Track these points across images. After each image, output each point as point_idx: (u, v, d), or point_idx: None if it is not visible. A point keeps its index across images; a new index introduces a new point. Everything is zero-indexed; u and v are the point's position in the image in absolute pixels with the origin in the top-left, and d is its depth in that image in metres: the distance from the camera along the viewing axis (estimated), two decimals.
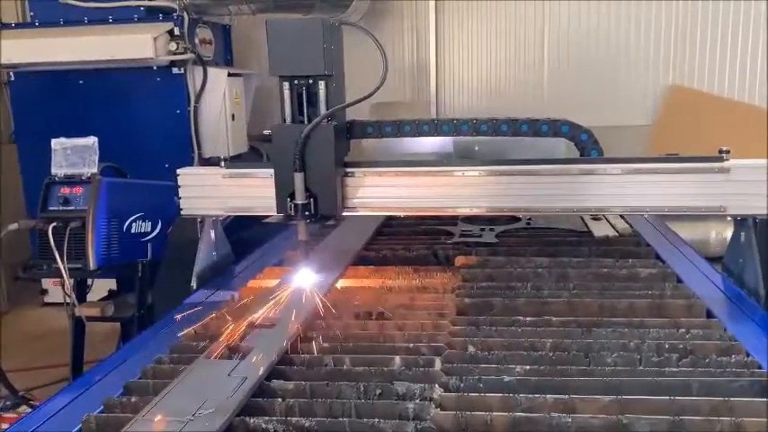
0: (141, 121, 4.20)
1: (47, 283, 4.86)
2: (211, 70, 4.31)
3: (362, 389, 1.50)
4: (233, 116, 4.49)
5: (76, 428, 1.42)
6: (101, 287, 3.47)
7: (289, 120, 2.18)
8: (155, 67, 4.15)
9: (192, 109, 4.22)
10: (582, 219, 2.97)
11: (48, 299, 4.95)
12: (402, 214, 2.72)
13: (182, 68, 4.17)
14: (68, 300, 2.68)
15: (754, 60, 5.16)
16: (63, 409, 1.55)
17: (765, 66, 5.14)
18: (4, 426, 2.60)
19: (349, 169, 2.33)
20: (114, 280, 3.33)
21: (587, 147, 2.46)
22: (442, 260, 2.58)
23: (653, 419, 1.30)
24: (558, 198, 2.24)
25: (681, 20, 5.27)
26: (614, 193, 2.19)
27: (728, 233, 2.33)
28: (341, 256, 2.52)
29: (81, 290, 3.03)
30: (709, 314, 1.90)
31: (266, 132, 2.30)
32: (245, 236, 3.14)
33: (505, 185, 2.27)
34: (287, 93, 2.16)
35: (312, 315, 1.95)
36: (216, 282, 2.47)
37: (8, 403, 2.66)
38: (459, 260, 2.48)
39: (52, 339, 3.99)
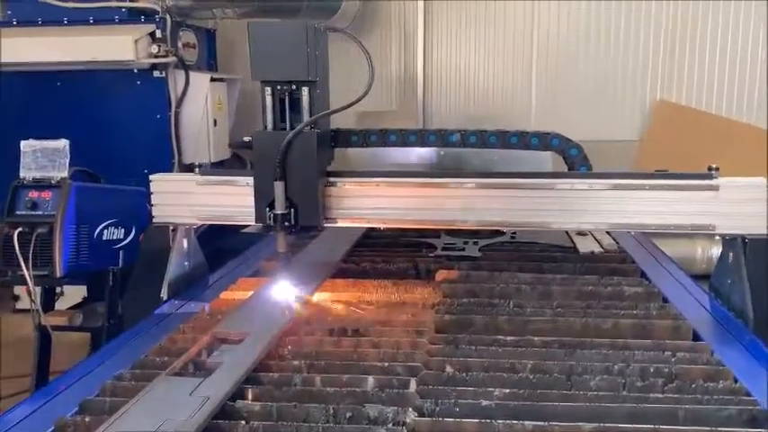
0: (121, 125, 4.10)
1: (19, 288, 4.73)
2: (194, 74, 4.23)
3: (332, 411, 1.42)
4: (215, 122, 4.40)
5: None
6: (74, 294, 3.37)
7: (270, 126, 2.11)
8: (135, 70, 4.06)
9: (173, 114, 4.13)
10: (567, 233, 2.91)
11: (20, 305, 4.82)
12: (384, 226, 2.66)
13: (163, 72, 4.09)
14: (34, 309, 2.57)
15: (742, 76, 5.15)
16: (11, 429, 1.46)
17: (756, 82, 5.14)
18: None
19: (332, 179, 2.26)
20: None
21: (577, 162, 2.41)
22: (422, 274, 2.51)
23: None
24: (543, 213, 2.19)
25: (669, 35, 5.26)
26: (600, 209, 2.14)
27: (714, 250, 2.29)
28: (319, 268, 2.44)
29: (49, 298, 2.92)
30: (696, 336, 1.84)
31: (246, 139, 2.23)
32: (226, 245, 3.06)
33: (490, 198, 2.21)
34: (269, 98, 2.09)
35: (284, 330, 1.87)
36: (187, 292, 2.38)
37: None
38: (441, 274, 2.41)
39: (21, 347, 3.85)
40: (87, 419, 1.42)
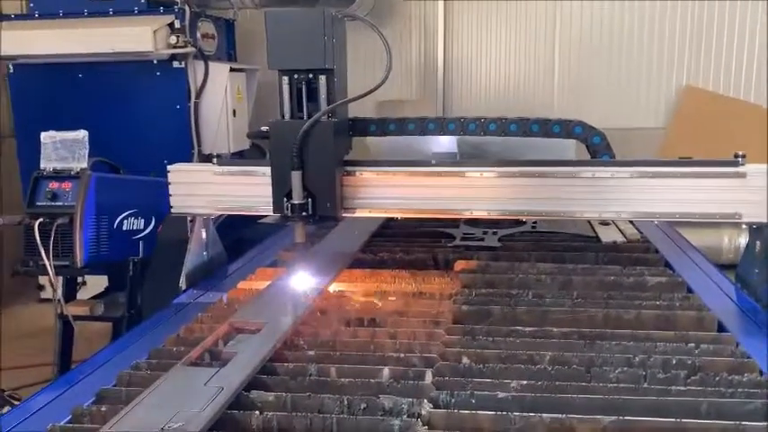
0: (141, 116, 4.13)
1: (43, 278, 4.80)
2: (213, 65, 4.22)
3: (346, 402, 1.41)
4: (234, 112, 4.40)
5: None
6: (97, 284, 3.41)
7: (287, 116, 2.09)
8: (155, 61, 4.08)
9: (192, 104, 4.14)
10: (589, 223, 2.86)
11: (44, 295, 4.90)
12: (403, 216, 2.63)
13: (182, 62, 4.09)
14: (56, 300, 2.59)
15: None
16: (30, 417, 1.47)
17: None
18: None
19: (349, 168, 2.23)
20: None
21: (600, 150, 2.35)
22: (441, 264, 2.48)
23: None
24: (564, 202, 2.14)
25: (696, 20, 5.14)
26: (623, 197, 2.09)
27: (742, 240, 2.23)
28: (336, 258, 2.43)
29: (71, 288, 2.95)
30: (721, 327, 1.79)
31: (264, 129, 2.21)
32: (247, 235, 3.06)
33: (510, 187, 2.17)
34: (286, 87, 2.07)
35: (301, 320, 1.86)
36: (206, 282, 2.39)
37: None
38: (459, 264, 2.38)
39: (45, 337, 3.92)
40: (103, 409, 1.42)
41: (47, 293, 4.80)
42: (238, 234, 3.00)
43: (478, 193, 2.20)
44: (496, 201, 2.19)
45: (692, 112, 5.11)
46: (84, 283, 3.24)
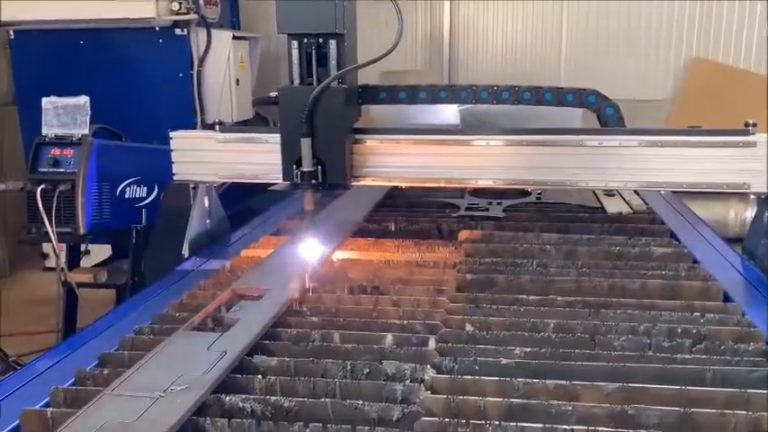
0: (143, 84, 4.08)
1: (47, 246, 4.81)
2: (216, 32, 4.17)
3: (349, 367, 1.40)
4: (237, 81, 4.35)
5: (43, 401, 1.34)
6: (100, 252, 3.41)
7: (297, 81, 2.04)
8: (157, 28, 4.02)
9: (195, 72, 4.09)
10: (594, 194, 2.84)
11: (48, 263, 4.91)
12: (409, 185, 2.60)
13: (185, 30, 4.03)
14: (59, 266, 2.59)
15: None
16: (34, 379, 1.47)
17: None
18: None
19: (359, 136, 2.20)
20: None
21: (611, 122, 2.31)
22: (445, 234, 2.47)
23: (661, 411, 1.19)
24: (571, 171, 2.12)
25: None
26: (631, 167, 2.06)
27: (748, 213, 2.20)
28: (340, 227, 2.41)
29: (74, 255, 2.95)
30: (727, 297, 1.78)
31: (272, 94, 2.16)
32: (251, 205, 3.05)
33: (518, 156, 2.14)
34: (295, 52, 2.01)
35: (304, 287, 1.85)
36: (208, 250, 2.38)
37: None
38: (463, 234, 2.37)
39: (50, 305, 3.94)
40: (106, 372, 1.42)
41: (51, 262, 4.80)
42: (241, 204, 2.99)
43: (487, 161, 2.17)
44: (504, 170, 2.16)
45: (699, 83, 5.04)
46: (87, 251, 3.24)
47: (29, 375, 1.50)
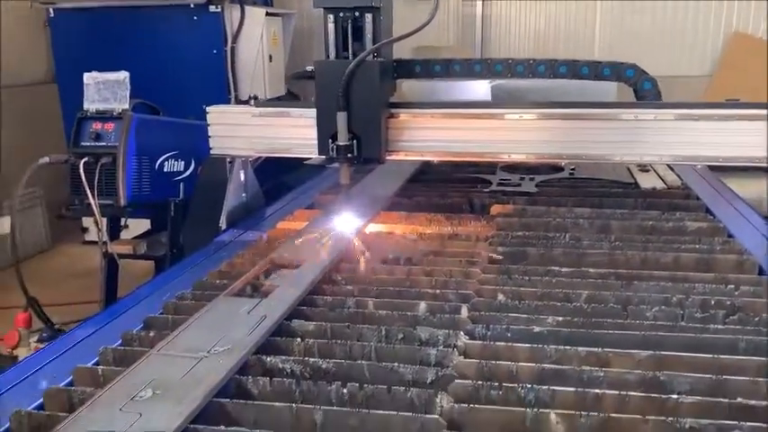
0: (178, 60, 4.15)
1: (87, 221, 4.94)
2: (249, 9, 4.20)
3: (384, 332, 1.44)
4: (270, 57, 4.39)
5: (93, 361, 1.40)
6: (139, 228, 3.50)
7: (333, 55, 2.06)
8: (192, 5, 4.07)
9: (228, 49, 4.14)
10: (629, 170, 2.82)
11: (88, 237, 5.05)
12: (442, 159, 2.61)
13: (219, 7, 4.08)
14: (100, 237, 2.67)
15: None
16: (82, 341, 1.54)
17: None
18: None
19: (394, 110, 2.22)
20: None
21: (649, 97, 2.27)
22: (477, 209, 2.48)
23: (693, 377, 1.21)
24: (605, 145, 2.10)
25: None
26: (666, 140, 2.04)
27: None
28: (372, 201, 2.44)
29: (114, 228, 3.04)
30: (762, 272, 1.77)
31: (308, 69, 2.19)
32: (285, 180, 3.10)
33: (551, 130, 2.13)
34: (331, 26, 2.03)
35: (338, 258, 1.89)
36: (245, 223, 2.44)
37: (44, 335, 2.70)
38: (495, 208, 2.38)
39: (91, 277, 4.06)
40: (151, 334, 1.49)
41: (91, 235, 4.95)
42: (276, 180, 3.04)
43: (520, 135, 2.16)
44: (537, 143, 2.16)
45: (739, 59, 4.93)
46: (126, 225, 3.33)
47: (77, 338, 1.57)
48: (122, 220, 3.18)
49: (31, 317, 2.77)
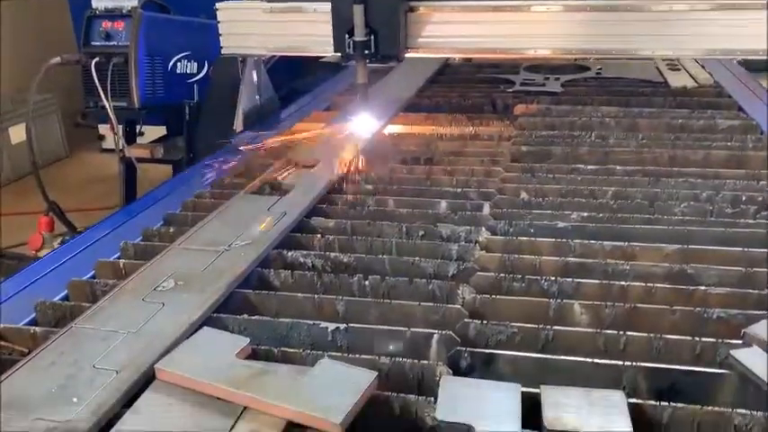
0: None
1: (103, 129, 4.92)
2: None
3: (405, 230, 1.42)
4: None
5: (116, 255, 1.41)
6: (154, 134, 3.46)
7: None
8: None
9: None
10: (658, 69, 2.70)
11: (105, 145, 5.05)
12: (464, 56, 2.50)
13: None
14: (117, 140, 2.65)
15: None
16: (104, 237, 1.54)
17: None
18: None
19: (413, 3, 2.11)
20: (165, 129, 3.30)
21: None
22: (499, 109, 2.41)
23: (722, 270, 1.18)
24: (637, 39, 1.98)
25: None
26: (702, 32, 1.92)
27: None
28: (391, 102, 2.38)
29: (131, 133, 3.01)
30: None
31: None
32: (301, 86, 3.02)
33: (580, 23, 2.01)
34: None
35: (357, 158, 1.85)
36: (260, 125, 2.39)
37: (67, 239, 2.74)
38: (519, 108, 2.31)
39: (111, 184, 4.08)
40: (171, 230, 1.48)
41: (108, 143, 4.94)
42: (291, 84, 2.97)
43: (546, 29, 2.02)
44: (564, 38, 2.04)
45: None
46: (141, 133, 3.29)
47: (98, 234, 1.57)
48: (138, 128, 3.15)
49: (54, 221, 2.80)
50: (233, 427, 0.82)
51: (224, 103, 2.48)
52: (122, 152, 2.78)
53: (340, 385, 0.86)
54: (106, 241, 1.51)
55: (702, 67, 2.65)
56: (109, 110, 2.41)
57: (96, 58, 2.46)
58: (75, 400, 0.88)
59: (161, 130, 3.41)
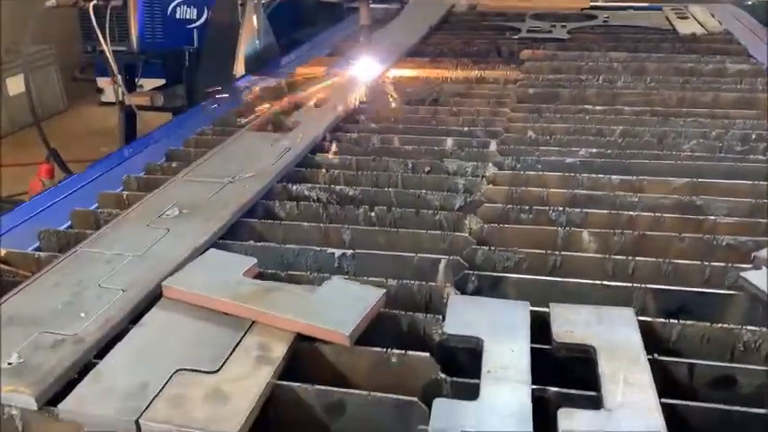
0: None
1: (102, 82, 4.87)
2: None
3: (411, 165, 1.41)
4: None
5: (120, 189, 1.39)
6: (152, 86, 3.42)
7: None
8: None
9: None
10: (667, 18, 2.66)
11: (104, 98, 4.99)
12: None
13: None
14: (116, 88, 2.61)
15: None
16: (107, 173, 1.53)
17: None
18: None
19: None
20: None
21: None
22: (505, 55, 2.36)
23: (731, 202, 1.17)
24: None
25: None
26: None
27: None
28: (394, 47, 2.33)
29: (130, 82, 2.96)
30: None
31: None
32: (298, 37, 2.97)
33: None
34: None
35: (361, 98, 1.83)
36: (262, 71, 2.35)
37: None
38: (525, 54, 2.27)
39: (111, 136, 4.04)
40: (174, 165, 1.46)
41: (107, 97, 4.88)
42: (293, 32, 2.91)
43: None
44: None
45: None
46: (140, 86, 3.24)
47: (102, 169, 1.56)
48: (136, 80, 3.10)
49: (54, 168, 2.77)
50: (241, 340, 0.82)
51: (224, 49, 2.44)
52: (122, 100, 2.74)
53: (349, 300, 0.85)
54: (108, 177, 1.50)
55: (712, 15, 2.60)
56: (108, 54, 2.36)
57: (94, 1, 2.41)
58: (82, 315, 0.87)
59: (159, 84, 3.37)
